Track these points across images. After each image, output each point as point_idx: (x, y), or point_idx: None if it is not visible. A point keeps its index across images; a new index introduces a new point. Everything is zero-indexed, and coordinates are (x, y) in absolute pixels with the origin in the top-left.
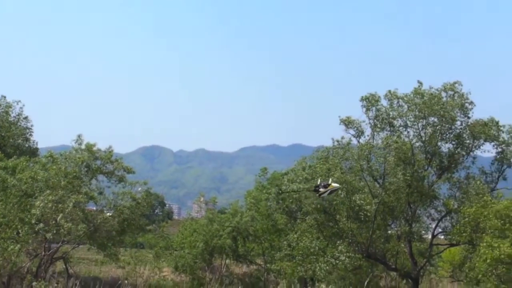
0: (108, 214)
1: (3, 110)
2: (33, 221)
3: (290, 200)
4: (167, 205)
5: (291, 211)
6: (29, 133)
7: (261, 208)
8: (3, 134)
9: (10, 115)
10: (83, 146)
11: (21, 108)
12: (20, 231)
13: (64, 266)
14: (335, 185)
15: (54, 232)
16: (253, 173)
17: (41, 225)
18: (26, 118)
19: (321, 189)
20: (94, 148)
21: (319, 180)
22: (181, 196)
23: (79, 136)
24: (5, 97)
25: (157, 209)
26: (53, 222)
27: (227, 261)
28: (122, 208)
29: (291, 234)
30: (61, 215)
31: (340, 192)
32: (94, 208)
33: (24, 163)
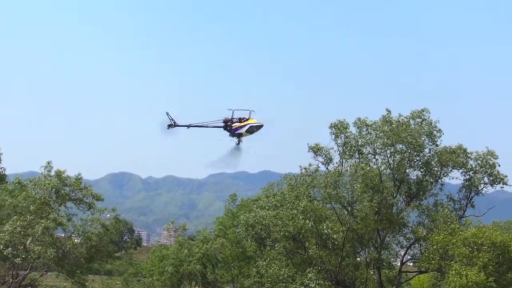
0: (76, 240)
1: None
2: (1, 246)
3: (260, 227)
4: (136, 232)
5: (260, 238)
6: None
7: (230, 235)
8: None
9: None
10: (52, 173)
11: None
12: None
13: None
14: (256, 120)
15: (23, 257)
16: (222, 199)
17: (10, 249)
18: None
19: (235, 124)
20: (64, 175)
21: (232, 111)
22: (150, 222)
23: (48, 162)
24: None
25: (126, 236)
26: (22, 247)
27: (197, 287)
28: (90, 234)
29: (260, 261)
30: (30, 239)
31: (307, 218)
32: (63, 235)
33: None
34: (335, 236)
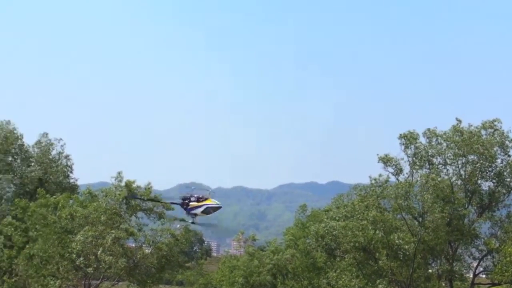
0: (147, 250)
1: (45, 148)
2: (73, 256)
3: (330, 238)
4: (205, 242)
5: (331, 249)
6: (70, 171)
7: (300, 246)
8: (44, 171)
9: (51, 153)
10: (122, 183)
11: (62, 146)
12: (60, 267)
13: None
14: (214, 201)
15: (95, 266)
16: (292, 210)
17: (81, 259)
18: (67, 156)
19: (192, 203)
20: (134, 185)
21: (192, 191)
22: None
23: (119, 173)
24: (47, 134)
25: (196, 246)
26: (93, 256)
27: None
28: (161, 244)
29: (331, 272)
30: (101, 249)
31: (373, 229)
32: (133, 245)
33: (63, 200)
34: (406, 246)
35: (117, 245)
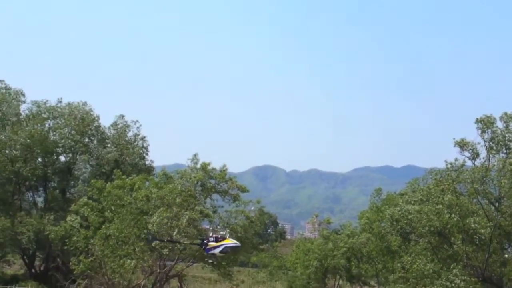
0: (222, 232)
1: (121, 129)
2: (149, 237)
3: (405, 222)
4: (279, 225)
5: (405, 233)
6: (146, 152)
7: (375, 229)
8: (120, 153)
9: (127, 135)
10: (198, 165)
11: (138, 128)
12: (136, 247)
13: (179, 284)
14: (233, 240)
15: (170, 248)
16: (367, 194)
17: (157, 241)
18: (143, 138)
19: (211, 243)
20: (209, 167)
21: (210, 233)
22: (293, 216)
23: (194, 155)
24: (123, 116)
25: (270, 229)
26: (169, 238)
27: (341, 282)
28: (235, 226)
29: (405, 256)
30: (176, 230)
31: (451, 215)
32: (208, 226)
33: (139, 182)
34: (482, 231)
35: (192, 226)
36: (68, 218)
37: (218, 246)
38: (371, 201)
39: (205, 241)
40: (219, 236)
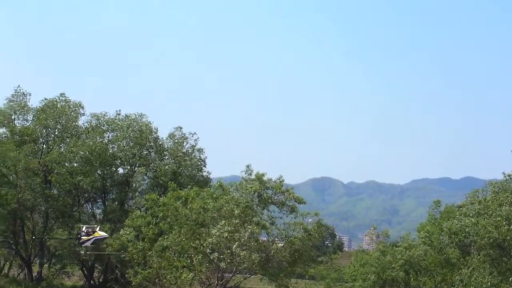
0: (279, 244)
1: (178, 141)
2: (207, 250)
3: (463, 235)
4: (337, 237)
5: (464, 246)
6: (203, 164)
7: (434, 242)
8: (178, 165)
9: (184, 147)
10: (252, 176)
11: (195, 140)
12: (194, 260)
13: None
14: (101, 233)
15: (228, 261)
16: (425, 206)
17: (216, 254)
18: (200, 150)
19: (83, 237)
20: (264, 178)
21: (84, 227)
22: (351, 227)
23: (247, 166)
24: (181, 128)
25: (328, 241)
26: (228, 251)
27: None
28: (293, 238)
29: (464, 269)
30: (236, 243)
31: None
32: (265, 238)
33: (194, 193)
34: None
35: (252, 240)
36: (122, 231)
37: (90, 239)
38: (429, 213)
39: (78, 236)
40: (90, 230)
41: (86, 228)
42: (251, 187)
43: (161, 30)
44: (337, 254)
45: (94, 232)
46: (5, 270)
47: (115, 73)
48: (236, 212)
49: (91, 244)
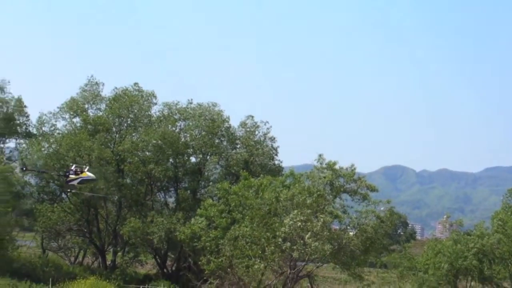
0: (351, 233)
1: (250, 130)
2: (279, 240)
3: None
4: (409, 225)
5: None
6: (275, 153)
7: (508, 230)
8: (250, 153)
9: (256, 135)
10: (324, 165)
11: (268, 128)
12: (266, 249)
13: (309, 284)
14: (89, 174)
15: (301, 251)
16: (498, 194)
17: (288, 244)
18: (272, 138)
19: (71, 176)
20: (336, 167)
21: (73, 166)
22: (423, 216)
23: (320, 155)
24: (252, 117)
25: (400, 229)
26: (301, 241)
27: (473, 283)
28: (366, 226)
29: None
30: (309, 233)
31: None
32: (337, 227)
33: (266, 182)
34: None
35: (325, 229)
36: (193, 220)
37: (77, 179)
38: (503, 202)
39: (67, 174)
40: (78, 169)
41: (75, 167)
42: (324, 177)
43: (238, 25)
44: (409, 242)
45: (82, 172)
46: (80, 258)
47: (187, 63)
48: (309, 201)
49: (78, 183)
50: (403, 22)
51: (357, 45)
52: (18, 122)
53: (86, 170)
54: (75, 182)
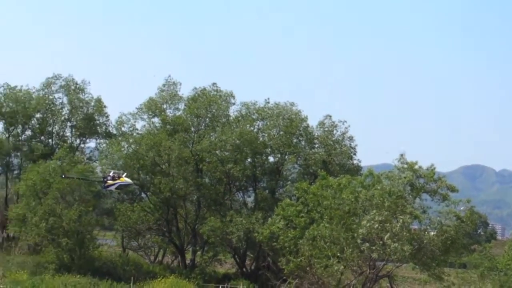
0: (431, 233)
1: (328, 129)
2: (358, 241)
3: None
4: (490, 225)
5: None
6: (353, 152)
7: None
8: (328, 153)
9: (334, 135)
10: (405, 165)
11: (346, 128)
12: (345, 249)
13: (388, 285)
14: (126, 179)
15: (380, 252)
16: None
17: (367, 244)
18: (350, 138)
19: (109, 181)
20: (416, 167)
21: (111, 172)
22: (504, 216)
23: (401, 155)
24: (330, 116)
25: (480, 229)
26: (380, 241)
27: None
28: (446, 227)
29: None
30: (388, 234)
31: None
32: (416, 227)
33: (345, 181)
34: None
35: (405, 230)
36: (270, 220)
37: (114, 184)
38: None
39: (104, 179)
40: (115, 175)
41: (113, 173)
42: (404, 177)
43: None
44: (490, 243)
45: (119, 177)
46: (159, 258)
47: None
48: (387, 204)
49: (116, 188)
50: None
51: (434, 45)
52: (98, 122)
53: (123, 175)
54: (112, 188)
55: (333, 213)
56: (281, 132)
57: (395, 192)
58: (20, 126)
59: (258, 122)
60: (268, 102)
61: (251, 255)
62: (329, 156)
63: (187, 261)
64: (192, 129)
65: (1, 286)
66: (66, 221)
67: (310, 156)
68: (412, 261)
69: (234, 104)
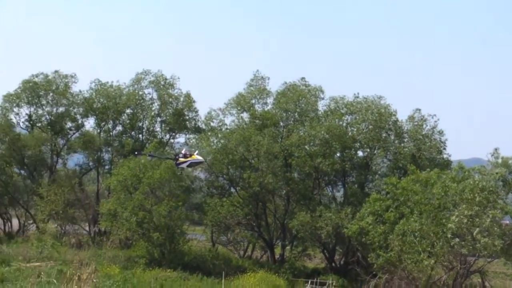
0: (192, 149)
1: (418, 123)
2: (448, 235)
3: None
4: None
5: None
6: (443, 147)
7: None
8: (417, 147)
9: (424, 129)
10: (499, 160)
11: (435, 122)
12: (435, 244)
13: (480, 280)
14: (198, 157)
15: (470, 247)
16: None
17: (457, 239)
18: (440, 132)
19: (181, 159)
20: (510, 162)
21: (183, 149)
22: None
23: (495, 149)
24: (420, 110)
25: None
26: (469, 237)
27: None
28: None
29: None
30: (477, 229)
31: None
32: (508, 222)
33: (435, 176)
34: None
35: (495, 224)
36: (358, 215)
37: (185, 162)
38: None
39: (176, 157)
40: (187, 153)
41: (185, 150)
42: (497, 173)
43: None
44: None
45: (191, 155)
46: (249, 252)
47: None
48: (478, 199)
49: (187, 166)
50: None
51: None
52: (187, 117)
53: (195, 153)
54: (184, 165)
55: (423, 208)
56: (370, 127)
57: (486, 187)
58: (111, 121)
59: (347, 116)
60: (358, 97)
61: (340, 250)
62: (418, 150)
63: (276, 256)
64: (281, 123)
65: (94, 280)
66: (156, 216)
67: (399, 150)
68: (503, 256)
69: (323, 98)
